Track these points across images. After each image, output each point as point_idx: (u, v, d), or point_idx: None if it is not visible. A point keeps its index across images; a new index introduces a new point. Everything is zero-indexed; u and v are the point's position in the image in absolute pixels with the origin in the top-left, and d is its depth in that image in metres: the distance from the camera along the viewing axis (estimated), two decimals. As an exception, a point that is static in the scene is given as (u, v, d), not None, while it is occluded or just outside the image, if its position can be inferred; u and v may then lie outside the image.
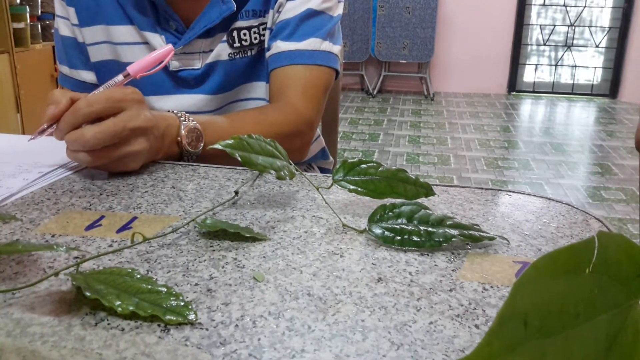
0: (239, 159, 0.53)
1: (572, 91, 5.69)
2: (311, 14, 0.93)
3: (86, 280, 0.40)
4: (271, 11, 0.94)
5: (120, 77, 0.71)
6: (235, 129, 0.79)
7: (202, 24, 0.91)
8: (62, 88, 1.03)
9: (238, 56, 0.95)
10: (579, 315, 0.22)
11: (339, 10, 0.97)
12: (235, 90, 0.98)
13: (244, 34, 0.94)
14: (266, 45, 0.95)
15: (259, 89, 0.99)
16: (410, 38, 5.34)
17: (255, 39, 0.95)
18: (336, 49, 0.95)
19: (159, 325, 0.37)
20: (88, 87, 0.99)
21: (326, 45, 0.93)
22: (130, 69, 0.71)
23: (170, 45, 0.75)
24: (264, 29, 0.95)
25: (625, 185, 3.20)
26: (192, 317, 0.38)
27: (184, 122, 0.74)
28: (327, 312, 0.39)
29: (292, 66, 0.91)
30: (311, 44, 0.91)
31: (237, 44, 0.94)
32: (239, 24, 0.93)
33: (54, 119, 0.66)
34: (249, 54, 0.96)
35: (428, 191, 0.55)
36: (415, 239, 0.49)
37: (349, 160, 0.56)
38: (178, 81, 0.96)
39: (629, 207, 2.88)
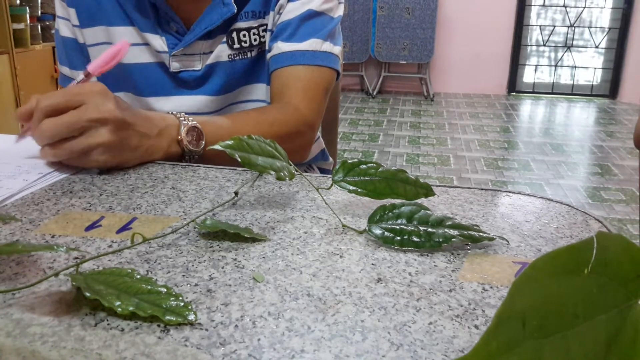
0: (239, 159, 0.54)
1: (572, 92, 5.70)
2: (312, 15, 0.93)
3: (86, 281, 0.40)
4: (271, 13, 0.94)
5: (80, 76, 0.72)
6: (235, 128, 0.79)
7: (202, 25, 0.91)
8: (62, 89, 1.04)
9: (238, 57, 0.95)
10: (578, 316, 0.22)
11: (340, 12, 0.97)
12: (235, 91, 0.98)
13: (244, 35, 0.94)
14: (267, 47, 0.95)
15: (260, 90, 0.99)
16: (410, 39, 5.34)
17: (255, 40, 0.95)
18: (337, 49, 0.95)
19: (158, 326, 0.37)
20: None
21: (327, 46, 0.93)
22: (89, 68, 0.72)
23: (124, 40, 0.75)
24: (264, 30, 0.95)
25: (625, 185, 3.20)
26: (191, 317, 0.38)
27: (183, 122, 0.74)
28: (327, 313, 0.39)
29: (293, 67, 0.91)
30: (312, 44, 0.91)
31: (236, 45, 0.94)
32: (239, 25, 0.93)
33: (24, 117, 0.67)
34: (248, 55, 0.96)
35: (428, 192, 0.55)
36: (415, 239, 0.49)
37: (349, 161, 0.56)
38: (178, 82, 0.96)
39: (628, 207, 2.88)
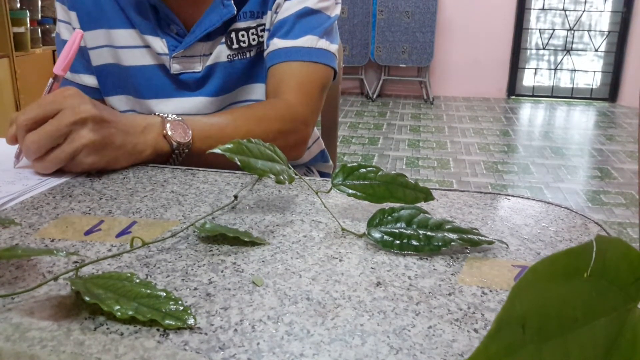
0: (239, 163, 0.54)
1: (572, 95, 5.70)
2: (308, 12, 0.93)
3: (85, 285, 0.40)
4: (269, 12, 0.94)
5: (50, 81, 0.72)
6: (223, 123, 0.79)
7: (202, 27, 0.91)
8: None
9: (237, 58, 0.95)
10: (577, 319, 0.22)
11: (336, 11, 0.97)
12: (235, 92, 0.98)
13: (242, 35, 0.94)
14: (265, 45, 0.95)
15: (259, 90, 0.99)
16: (410, 42, 5.35)
17: (254, 40, 0.95)
18: (333, 47, 0.95)
19: (158, 330, 0.37)
20: (89, 91, 1.00)
21: (323, 43, 0.93)
22: (55, 70, 0.72)
23: (77, 30, 0.75)
24: (262, 30, 0.95)
25: (625, 189, 3.20)
26: (191, 321, 0.38)
27: (167, 118, 0.74)
28: (326, 317, 0.39)
29: (288, 63, 0.91)
30: (307, 41, 0.91)
31: (235, 46, 0.94)
32: (237, 25, 0.93)
33: (13, 140, 0.68)
34: (247, 55, 0.96)
35: (427, 196, 0.55)
36: (414, 243, 0.49)
37: (348, 165, 0.56)
38: (179, 84, 0.96)
39: (628, 211, 2.88)
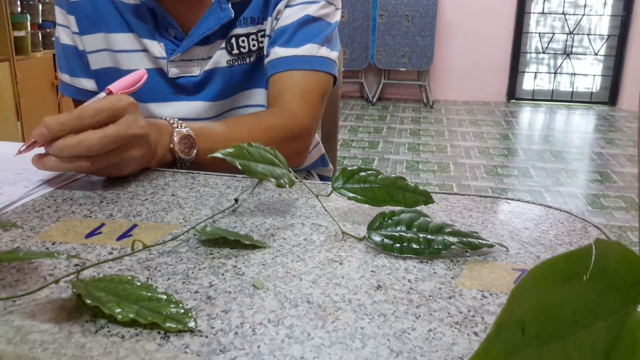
0: (239, 167, 0.54)
1: (572, 99, 5.71)
2: (309, 20, 0.93)
3: (86, 288, 0.40)
4: (269, 18, 0.94)
5: (102, 95, 0.71)
6: (229, 135, 0.79)
7: (200, 30, 0.92)
8: (62, 96, 1.04)
9: (237, 63, 0.95)
10: (577, 322, 0.23)
11: (337, 17, 0.98)
12: (234, 97, 0.98)
13: (242, 41, 0.94)
14: (265, 52, 0.95)
15: (258, 95, 0.99)
16: (410, 46, 5.36)
17: (254, 46, 0.95)
18: (334, 54, 0.95)
19: (158, 333, 0.37)
20: (88, 95, 1.00)
21: (323, 51, 0.93)
22: (113, 88, 0.71)
23: (143, 70, 0.75)
24: (262, 36, 0.95)
25: (625, 192, 3.20)
26: (191, 324, 0.38)
27: (176, 129, 0.74)
28: (327, 320, 0.39)
29: (289, 72, 0.91)
30: (308, 49, 0.92)
31: (235, 51, 0.95)
32: (237, 31, 0.94)
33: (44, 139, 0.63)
34: (247, 61, 0.96)
35: (427, 199, 0.55)
36: (415, 246, 0.49)
37: (348, 168, 0.56)
38: (177, 88, 0.96)
39: (628, 214, 2.88)
